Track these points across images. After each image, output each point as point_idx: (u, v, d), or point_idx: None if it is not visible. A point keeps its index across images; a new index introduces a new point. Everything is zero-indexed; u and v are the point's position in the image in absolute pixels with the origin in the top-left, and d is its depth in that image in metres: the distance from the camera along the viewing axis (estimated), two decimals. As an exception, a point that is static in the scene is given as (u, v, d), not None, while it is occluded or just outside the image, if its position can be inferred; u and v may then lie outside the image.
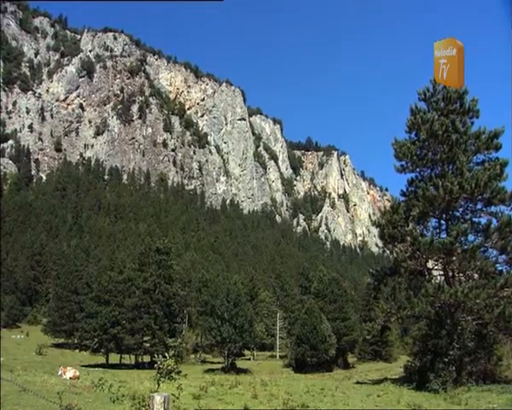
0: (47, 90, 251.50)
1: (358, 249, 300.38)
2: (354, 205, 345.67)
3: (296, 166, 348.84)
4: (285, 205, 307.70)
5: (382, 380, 34.86)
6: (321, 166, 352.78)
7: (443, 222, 31.42)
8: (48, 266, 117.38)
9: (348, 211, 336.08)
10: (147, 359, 69.97)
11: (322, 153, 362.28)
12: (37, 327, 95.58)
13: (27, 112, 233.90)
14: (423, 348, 31.77)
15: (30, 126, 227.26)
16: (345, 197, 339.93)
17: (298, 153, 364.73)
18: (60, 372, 32.90)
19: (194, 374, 51.53)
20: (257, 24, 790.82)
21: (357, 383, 36.54)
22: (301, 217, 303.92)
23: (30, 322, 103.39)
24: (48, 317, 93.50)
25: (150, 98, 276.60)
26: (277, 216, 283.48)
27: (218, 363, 69.28)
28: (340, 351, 69.05)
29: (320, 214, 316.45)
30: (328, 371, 60.47)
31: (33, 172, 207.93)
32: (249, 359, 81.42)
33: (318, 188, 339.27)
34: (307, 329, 62.60)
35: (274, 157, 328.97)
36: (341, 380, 40.61)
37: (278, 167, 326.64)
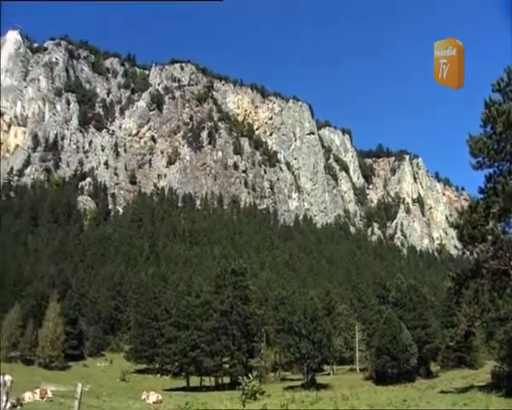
0: (120, 127, 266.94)
1: (436, 253, 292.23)
2: (429, 208, 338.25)
3: (368, 174, 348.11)
4: (358, 215, 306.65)
5: (468, 388, 33.62)
6: (393, 171, 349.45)
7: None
8: (128, 295, 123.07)
9: (424, 215, 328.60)
10: (227, 380, 71.20)
11: (393, 158, 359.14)
12: (120, 354, 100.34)
13: (102, 149, 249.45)
14: (511, 352, 30.28)
15: (106, 163, 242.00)
16: (419, 201, 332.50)
17: (369, 161, 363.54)
18: (143, 397, 34.55)
19: (275, 392, 51.87)
20: (319, 38, 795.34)
21: (442, 392, 35.44)
22: (375, 225, 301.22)
23: (113, 350, 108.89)
24: (130, 344, 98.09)
25: (219, 123, 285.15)
26: (351, 227, 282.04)
27: (298, 380, 69.38)
28: (422, 360, 67.90)
29: (395, 221, 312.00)
30: (411, 382, 59.26)
31: (110, 207, 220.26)
32: (329, 374, 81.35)
33: (392, 194, 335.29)
34: (387, 339, 62.03)
35: (345, 168, 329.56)
36: (425, 390, 39.38)
37: (350, 178, 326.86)
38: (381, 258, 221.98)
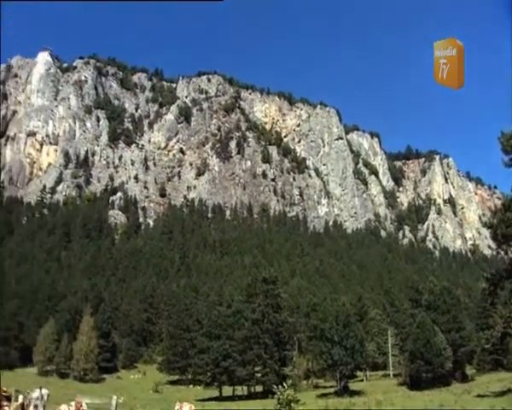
0: (149, 141, 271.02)
1: (469, 254, 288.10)
2: (461, 208, 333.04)
3: (397, 177, 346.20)
4: (389, 218, 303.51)
5: (506, 392, 32.55)
6: (423, 173, 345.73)
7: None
8: (160, 307, 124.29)
9: (456, 215, 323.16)
10: (259, 388, 70.90)
11: (423, 159, 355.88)
12: (153, 366, 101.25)
13: (132, 164, 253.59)
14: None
15: (135, 177, 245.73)
16: (451, 202, 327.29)
17: (398, 163, 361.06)
18: (176, 408, 34.46)
19: (308, 400, 51.14)
20: (344, 43, 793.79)
21: (479, 396, 34.45)
22: (407, 228, 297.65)
23: (146, 362, 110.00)
24: (162, 355, 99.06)
25: (247, 132, 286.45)
26: (382, 231, 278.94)
27: (331, 387, 69.05)
28: (457, 363, 66.75)
29: (426, 223, 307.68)
30: (446, 386, 58.13)
31: (141, 220, 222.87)
32: (362, 380, 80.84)
33: (422, 196, 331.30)
34: (420, 343, 61.50)
35: (374, 172, 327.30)
36: (460, 394, 38.42)
37: (379, 181, 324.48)
38: (412, 261, 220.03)
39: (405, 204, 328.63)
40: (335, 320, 67.73)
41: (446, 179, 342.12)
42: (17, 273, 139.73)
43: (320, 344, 68.26)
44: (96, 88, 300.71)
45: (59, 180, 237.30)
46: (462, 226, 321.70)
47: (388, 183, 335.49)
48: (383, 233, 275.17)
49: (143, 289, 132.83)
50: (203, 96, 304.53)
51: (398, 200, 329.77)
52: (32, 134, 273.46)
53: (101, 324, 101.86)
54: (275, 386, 47.96)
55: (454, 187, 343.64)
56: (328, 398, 54.11)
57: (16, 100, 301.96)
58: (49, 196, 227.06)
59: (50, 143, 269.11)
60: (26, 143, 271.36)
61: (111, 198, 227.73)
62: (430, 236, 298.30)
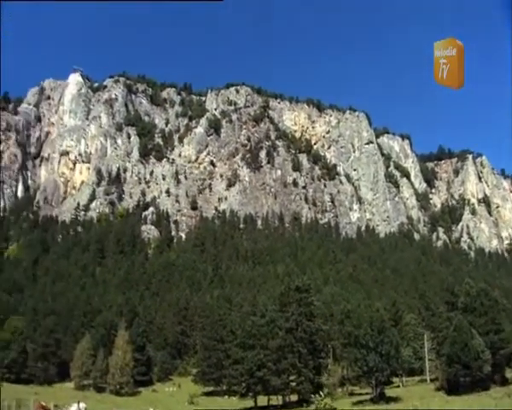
0: (179, 155, 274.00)
1: (506, 254, 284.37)
2: (497, 207, 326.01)
3: (430, 178, 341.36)
4: (422, 221, 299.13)
5: None
6: (456, 173, 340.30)
7: None
8: (193, 319, 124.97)
9: (491, 215, 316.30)
10: (294, 398, 70.28)
11: (456, 159, 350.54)
12: (188, 378, 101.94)
13: (163, 178, 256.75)
14: None
15: (167, 191, 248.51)
16: (486, 201, 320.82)
17: (430, 164, 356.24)
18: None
19: (344, 408, 50.39)
20: (371, 46, 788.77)
21: None
22: (440, 230, 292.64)
23: (181, 374, 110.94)
24: (197, 367, 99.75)
25: (277, 141, 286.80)
26: (415, 234, 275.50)
27: (366, 394, 68.54)
28: (497, 366, 65.31)
29: (460, 224, 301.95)
30: (485, 390, 56.88)
31: (173, 233, 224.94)
32: (398, 386, 79.83)
33: (456, 196, 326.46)
34: (457, 347, 60.58)
35: (406, 174, 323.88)
36: (500, 398, 37.07)
37: (411, 184, 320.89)
38: (447, 263, 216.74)
39: (438, 205, 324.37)
40: (370, 326, 67.43)
41: (480, 178, 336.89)
42: (53, 291, 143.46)
43: (355, 351, 68.32)
44: (126, 105, 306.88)
45: (92, 198, 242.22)
46: (497, 226, 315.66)
47: (420, 185, 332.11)
48: (416, 236, 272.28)
49: (177, 302, 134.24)
50: (232, 107, 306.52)
51: (431, 201, 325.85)
52: (65, 154, 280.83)
53: (135, 337, 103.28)
54: (312, 395, 47.53)
55: (488, 186, 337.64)
56: (364, 405, 53.34)
57: (49, 121, 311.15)
58: (82, 213, 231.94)
59: (83, 162, 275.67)
60: (59, 163, 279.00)
61: (143, 213, 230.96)
62: (465, 236, 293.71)
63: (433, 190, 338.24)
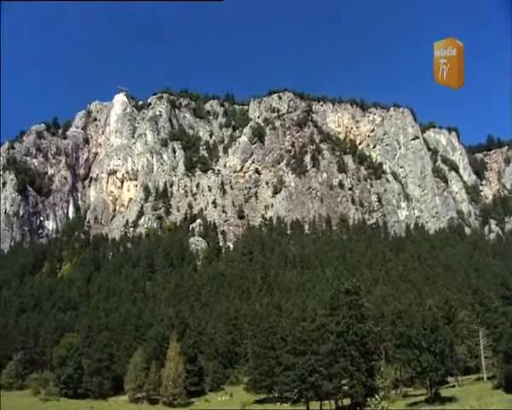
0: (224, 165, 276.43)
1: None
2: None
3: (479, 170, 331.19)
4: (473, 214, 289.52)
5: None
6: (507, 162, 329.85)
7: None
8: (244, 327, 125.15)
9: None
10: (346, 402, 68.96)
11: (506, 148, 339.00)
12: (240, 387, 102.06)
13: (209, 189, 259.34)
14: None
15: (213, 202, 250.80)
16: None
17: (479, 155, 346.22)
18: None
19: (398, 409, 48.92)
20: (412, 38, 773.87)
21: None
22: (493, 222, 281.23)
23: (232, 383, 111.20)
24: (248, 375, 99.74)
25: (321, 144, 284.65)
26: (466, 228, 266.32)
27: (421, 395, 67.17)
28: None
29: None
30: None
31: (221, 244, 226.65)
32: (453, 386, 77.54)
33: (508, 186, 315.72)
34: None
35: (454, 167, 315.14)
36: None
37: (460, 177, 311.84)
38: (501, 256, 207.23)
39: (490, 197, 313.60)
40: (422, 326, 66.50)
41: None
42: (106, 307, 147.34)
43: (407, 352, 67.29)
44: (170, 121, 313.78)
45: (140, 214, 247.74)
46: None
47: (470, 177, 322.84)
48: (467, 230, 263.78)
49: (227, 312, 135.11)
50: (275, 114, 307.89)
51: (482, 194, 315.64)
52: (112, 173, 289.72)
53: (187, 349, 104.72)
54: (368, 399, 46.22)
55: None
56: (419, 407, 51.76)
57: (97, 142, 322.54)
58: (131, 229, 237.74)
59: (130, 179, 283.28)
60: (107, 182, 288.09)
61: (191, 226, 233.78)
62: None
63: (484, 182, 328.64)
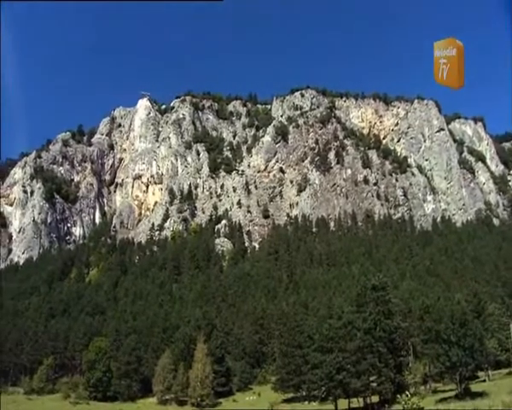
0: (248, 165, 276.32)
1: None
2: None
3: (507, 159, 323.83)
4: (501, 205, 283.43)
5: None
6: None
7: None
8: (270, 327, 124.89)
9: None
10: (375, 399, 68.13)
11: None
12: (267, 386, 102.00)
13: (234, 190, 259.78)
14: None
15: (238, 203, 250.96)
16: None
17: (507, 145, 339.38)
18: None
19: (427, 405, 47.97)
20: (433, 27, 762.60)
21: None
22: None
23: (260, 382, 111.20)
24: (276, 375, 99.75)
25: (345, 140, 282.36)
26: (494, 219, 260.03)
27: (450, 390, 66.15)
28: None
29: None
30: None
31: (247, 244, 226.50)
32: (484, 380, 75.97)
33: None
34: None
35: (481, 158, 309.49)
36: None
37: (487, 167, 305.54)
38: None
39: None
40: (451, 320, 65.77)
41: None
42: (133, 310, 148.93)
43: (436, 347, 66.68)
44: (193, 123, 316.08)
45: (166, 217, 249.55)
46: None
47: (497, 167, 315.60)
48: (496, 221, 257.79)
49: (253, 312, 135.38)
50: (298, 112, 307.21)
51: (510, 183, 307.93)
52: (137, 177, 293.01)
53: (214, 350, 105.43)
54: (398, 396, 45.45)
55: None
56: (449, 402, 50.79)
57: (121, 148, 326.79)
58: (157, 233, 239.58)
59: (155, 183, 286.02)
60: (133, 187, 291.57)
61: (216, 227, 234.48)
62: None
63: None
